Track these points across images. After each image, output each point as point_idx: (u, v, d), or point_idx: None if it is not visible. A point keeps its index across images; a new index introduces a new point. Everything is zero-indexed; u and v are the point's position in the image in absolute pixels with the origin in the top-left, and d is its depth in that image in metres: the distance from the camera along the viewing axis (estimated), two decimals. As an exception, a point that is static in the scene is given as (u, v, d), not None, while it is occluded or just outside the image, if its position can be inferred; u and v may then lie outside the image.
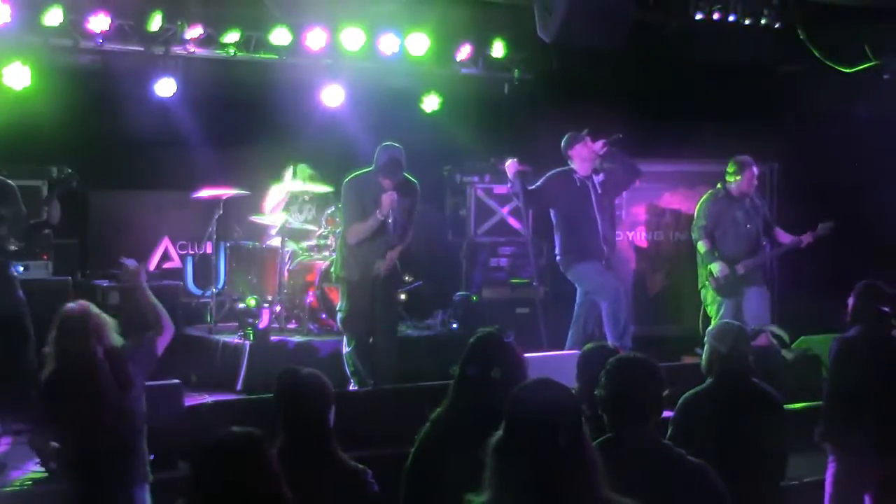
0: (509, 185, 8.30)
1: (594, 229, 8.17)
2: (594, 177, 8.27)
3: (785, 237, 8.81)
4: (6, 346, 6.62)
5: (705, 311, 8.86)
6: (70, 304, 4.96)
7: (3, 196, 6.80)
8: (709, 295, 8.68)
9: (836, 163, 10.14)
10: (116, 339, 4.92)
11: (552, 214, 8.36)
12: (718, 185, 8.73)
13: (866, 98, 9.88)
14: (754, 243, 8.69)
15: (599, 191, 8.24)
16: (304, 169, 9.06)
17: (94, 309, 4.94)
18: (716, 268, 8.52)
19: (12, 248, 6.78)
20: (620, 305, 8.09)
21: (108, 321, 4.93)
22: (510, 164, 8.16)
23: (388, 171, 7.28)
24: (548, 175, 8.29)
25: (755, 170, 8.69)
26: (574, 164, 8.27)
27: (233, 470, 2.94)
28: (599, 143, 8.21)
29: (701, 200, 8.77)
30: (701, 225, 8.63)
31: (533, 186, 8.26)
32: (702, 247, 8.60)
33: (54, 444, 4.99)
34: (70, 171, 6.91)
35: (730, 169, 8.67)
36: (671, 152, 10.34)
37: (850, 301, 5.73)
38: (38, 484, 5.76)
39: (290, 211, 9.09)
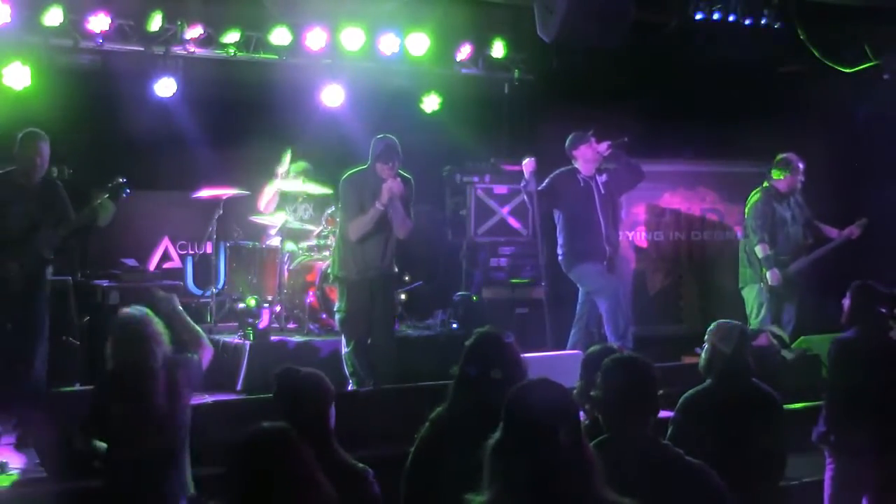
0: (523, 184, 8.23)
1: (597, 229, 8.17)
2: (597, 177, 8.26)
3: (832, 232, 8.76)
4: (22, 348, 6.62)
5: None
6: (128, 310, 5.02)
7: (52, 199, 6.79)
8: (752, 295, 8.65)
9: (835, 163, 10.15)
10: (169, 349, 5.00)
11: (555, 214, 8.35)
12: (765, 184, 8.68)
13: (866, 98, 9.88)
14: (801, 242, 8.69)
15: (603, 191, 8.24)
16: (298, 164, 9.04)
17: (152, 316, 4.98)
18: (770, 276, 8.46)
19: (49, 255, 6.79)
20: (620, 307, 8.10)
21: (164, 330, 4.98)
22: (528, 163, 8.13)
23: (387, 156, 7.26)
24: (552, 175, 8.28)
25: (801, 166, 8.65)
26: (578, 164, 8.27)
27: (269, 463, 2.97)
28: (604, 145, 8.20)
29: (752, 201, 8.69)
30: (759, 225, 8.53)
31: (540, 187, 8.24)
32: (760, 251, 8.51)
33: (101, 444, 4.99)
34: (123, 180, 6.88)
35: (776, 167, 8.64)
36: (671, 152, 10.35)
37: (846, 302, 5.73)
38: (38, 484, 5.76)
39: (289, 210, 9.08)
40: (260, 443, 3.04)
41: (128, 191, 6.91)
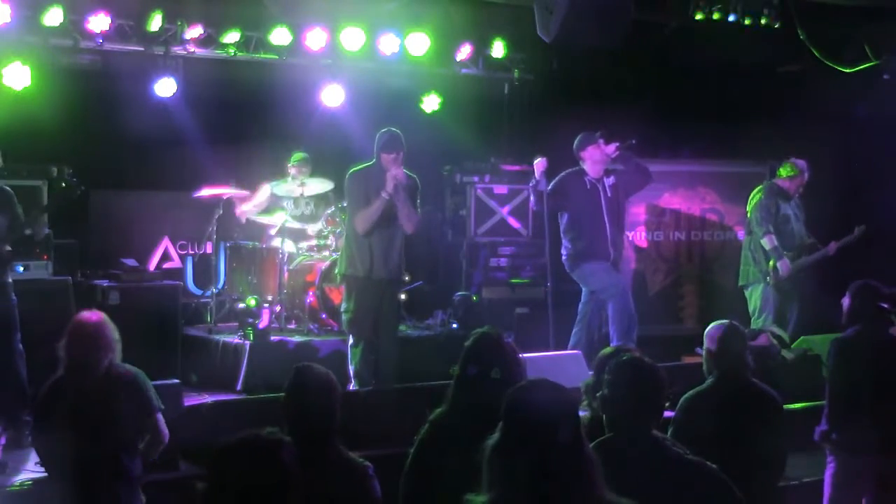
0: (533, 183, 8.16)
1: (602, 232, 8.13)
2: (605, 179, 8.22)
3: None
4: None
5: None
6: (85, 313, 5.03)
7: (3, 203, 6.77)
8: (757, 293, 8.66)
9: (835, 163, 10.15)
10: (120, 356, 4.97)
11: (560, 215, 8.30)
12: (768, 182, 8.72)
13: (866, 98, 9.88)
14: (805, 240, 8.73)
15: (609, 194, 8.18)
16: (297, 155, 9.04)
17: (109, 323, 4.97)
18: (781, 266, 8.49)
19: (8, 250, 6.73)
20: (627, 305, 8.06)
21: (117, 338, 4.96)
22: (539, 163, 8.07)
23: (391, 146, 7.30)
24: (560, 176, 8.22)
25: (807, 176, 8.73)
26: (585, 166, 8.22)
27: (251, 472, 2.85)
28: (612, 147, 8.15)
29: (756, 195, 8.73)
30: (763, 217, 8.58)
31: (547, 188, 8.17)
32: (767, 243, 8.56)
33: (43, 445, 5.01)
34: (73, 179, 6.87)
35: (785, 165, 8.72)
36: (671, 152, 10.36)
37: (846, 301, 5.73)
38: (38, 484, 5.75)
39: (290, 206, 9.05)
40: (247, 450, 2.90)
41: (79, 192, 6.93)
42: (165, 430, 5.01)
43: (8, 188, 6.90)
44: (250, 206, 9.02)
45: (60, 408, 4.87)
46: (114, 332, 4.93)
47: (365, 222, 7.34)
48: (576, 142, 8.23)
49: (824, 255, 8.74)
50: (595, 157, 8.17)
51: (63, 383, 4.91)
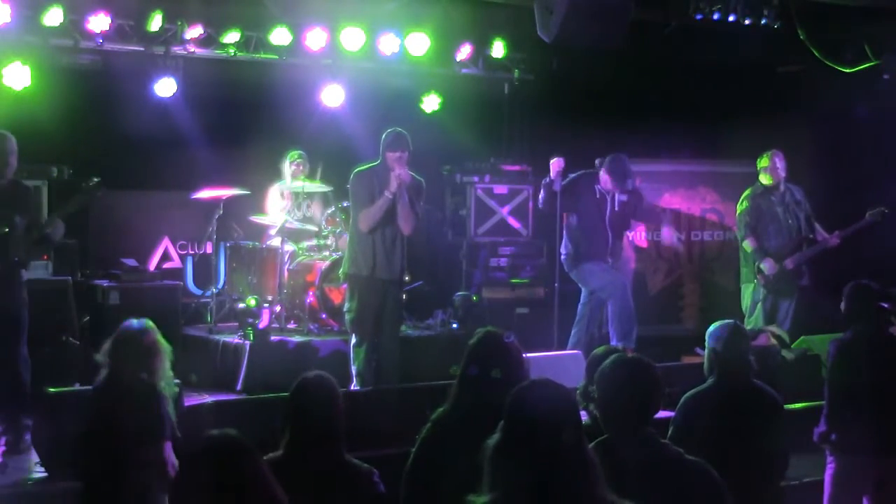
0: (547, 181, 8.16)
1: (604, 240, 8.17)
2: (617, 195, 8.24)
3: (820, 235, 8.79)
4: (2, 345, 6.59)
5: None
6: (131, 320, 4.88)
7: (24, 201, 6.74)
8: (748, 292, 8.68)
9: (835, 163, 10.16)
10: (167, 375, 4.82)
11: (567, 215, 8.32)
12: (755, 183, 8.76)
13: (866, 97, 9.89)
14: (796, 238, 8.70)
15: (617, 208, 8.22)
16: (293, 154, 9.03)
17: (151, 335, 4.81)
18: (765, 266, 8.51)
19: (22, 256, 6.67)
20: (627, 304, 8.08)
21: (164, 350, 4.81)
22: (555, 162, 8.09)
23: (396, 144, 7.31)
24: (572, 176, 8.24)
25: (777, 160, 8.68)
26: (600, 175, 8.26)
27: (218, 473, 2.87)
28: (625, 197, 8.20)
29: (741, 198, 8.78)
30: (745, 222, 8.64)
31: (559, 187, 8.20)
32: (748, 245, 8.61)
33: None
34: (97, 180, 6.82)
35: (759, 166, 8.73)
36: (671, 152, 10.35)
37: (843, 303, 5.72)
38: (38, 484, 5.76)
39: (292, 206, 9.05)
40: (209, 453, 2.93)
41: (100, 193, 6.88)
42: (174, 461, 4.65)
43: (28, 185, 6.86)
44: (275, 207, 9.03)
45: (91, 411, 4.82)
46: (155, 345, 4.76)
47: (368, 221, 7.34)
48: (607, 160, 8.21)
49: (824, 247, 8.71)
50: (606, 181, 8.20)
51: (98, 389, 4.83)
